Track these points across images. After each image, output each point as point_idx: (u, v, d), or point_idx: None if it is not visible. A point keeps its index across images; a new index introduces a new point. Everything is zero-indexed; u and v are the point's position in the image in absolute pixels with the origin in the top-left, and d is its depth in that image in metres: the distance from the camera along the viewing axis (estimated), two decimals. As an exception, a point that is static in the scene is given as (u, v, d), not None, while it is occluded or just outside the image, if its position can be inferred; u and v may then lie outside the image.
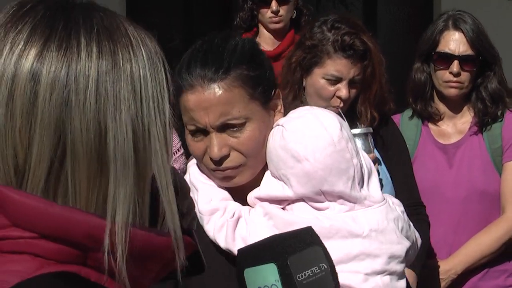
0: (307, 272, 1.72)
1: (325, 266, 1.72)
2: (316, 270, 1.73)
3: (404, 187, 3.01)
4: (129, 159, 1.07)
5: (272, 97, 1.92)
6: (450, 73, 3.19)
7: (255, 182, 1.92)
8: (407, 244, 1.93)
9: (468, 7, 3.64)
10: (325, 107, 2.87)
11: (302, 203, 1.88)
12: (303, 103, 2.92)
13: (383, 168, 2.95)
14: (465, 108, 3.32)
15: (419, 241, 2.07)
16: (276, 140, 1.88)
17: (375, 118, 2.93)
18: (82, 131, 1.05)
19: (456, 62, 3.18)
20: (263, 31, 4.06)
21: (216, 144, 1.84)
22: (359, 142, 2.80)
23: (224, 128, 1.84)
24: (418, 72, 3.31)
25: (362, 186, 1.91)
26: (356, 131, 2.82)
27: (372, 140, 2.87)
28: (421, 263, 2.96)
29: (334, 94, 2.86)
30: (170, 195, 1.11)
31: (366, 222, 1.86)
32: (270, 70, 1.94)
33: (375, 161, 2.86)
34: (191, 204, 1.44)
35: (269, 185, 1.91)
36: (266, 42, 4.06)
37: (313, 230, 1.76)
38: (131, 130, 1.08)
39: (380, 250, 1.85)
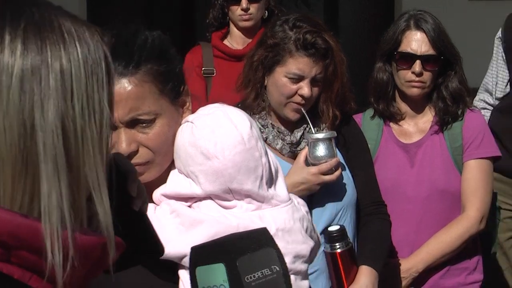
0: (257, 274, 1.71)
1: (277, 269, 1.72)
2: (267, 272, 1.72)
3: (366, 186, 3.02)
4: (61, 160, 1.05)
5: (181, 93, 1.91)
6: (413, 72, 3.21)
7: (162, 179, 1.91)
8: (311, 243, 1.95)
9: (429, 7, 3.66)
10: (287, 105, 2.88)
11: (209, 201, 1.87)
12: (264, 101, 2.92)
13: (346, 171, 2.96)
14: (427, 107, 3.34)
15: (321, 241, 2.08)
16: (185, 137, 1.87)
17: (337, 117, 2.94)
18: (6, 130, 1.03)
19: (418, 62, 3.20)
20: (233, 29, 4.06)
21: (125, 139, 1.83)
22: (323, 147, 2.80)
23: (133, 123, 1.83)
24: (380, 71, 3.32)
25: (269, 185, 1.91)
26: (320, 135, 2.81)
27: (335, 144, 2.87)
28: (383, 262, 2.97)
29: (296, 93, 2.85)
30: (103, 196, 1.10)
31: (273, 221, 1.87)
32: (180, 66, 1.93)
33: (339, 166, 2.86)
34: (140, 187, 1.43)
35: (176, 182, 1.90)
36: (236, 40, 4.05)
37: (268, 231, 1.76)
38: (61, 129, 1.05)
39: (286, 250, 1.85)
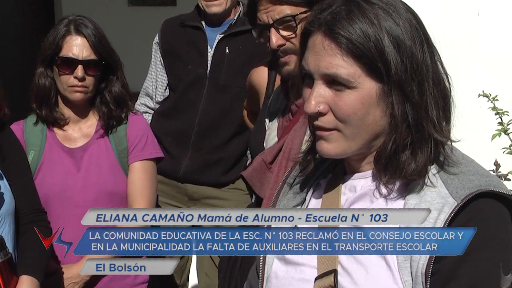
0: None
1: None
2: None
3: (24, 194, 2.97)
4: None
5: None
6: (75, 77, 3.23)
7: None
8: None
9: (89, 12, 3.69)
10: None
11: None
12: None
13: (3, 180, 2.89)
14: (90, 112, 3.37)
15: None
16: None
17: None
18: None
19: (80, 67, 3.22)
20: None
21: None
22: None
23: None
24: (41, 77, 3.29)
25: None
26: None
27: None
28: (43, 270, 2.93)
29: None
30: None
31: None
32: None
33: None
34: None
35: None
36: None
37: None
38: None
39: None
